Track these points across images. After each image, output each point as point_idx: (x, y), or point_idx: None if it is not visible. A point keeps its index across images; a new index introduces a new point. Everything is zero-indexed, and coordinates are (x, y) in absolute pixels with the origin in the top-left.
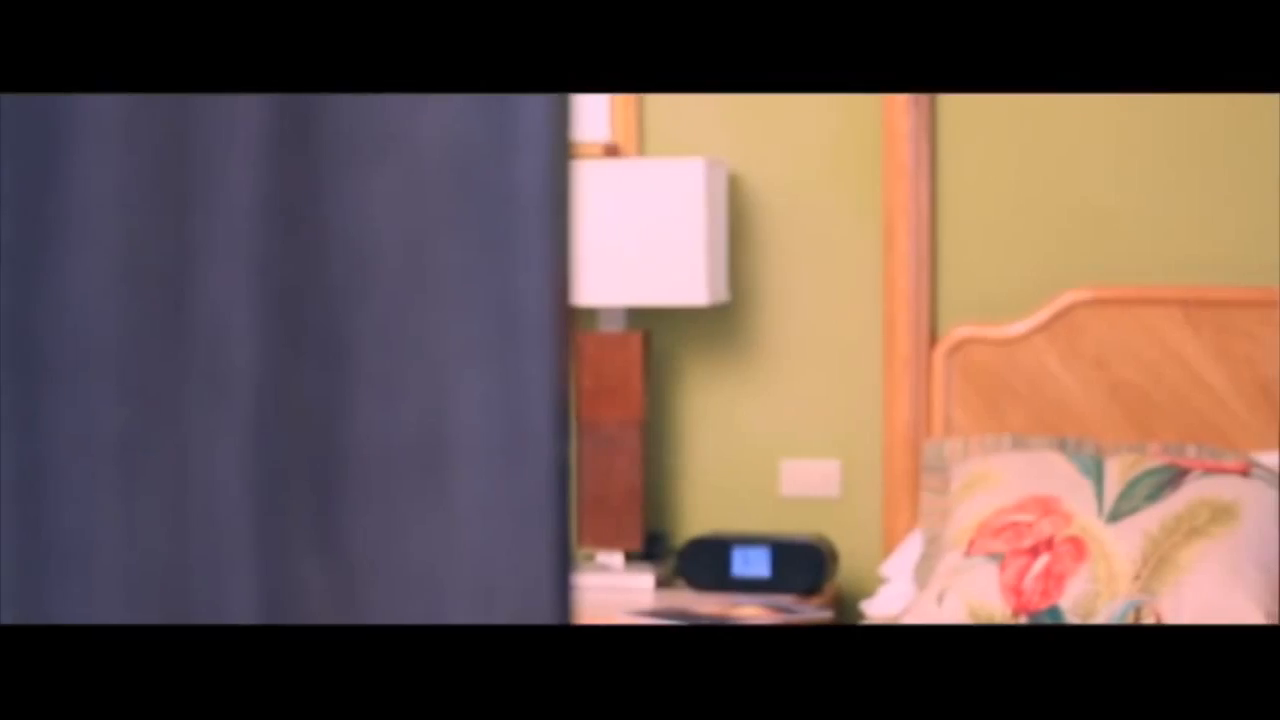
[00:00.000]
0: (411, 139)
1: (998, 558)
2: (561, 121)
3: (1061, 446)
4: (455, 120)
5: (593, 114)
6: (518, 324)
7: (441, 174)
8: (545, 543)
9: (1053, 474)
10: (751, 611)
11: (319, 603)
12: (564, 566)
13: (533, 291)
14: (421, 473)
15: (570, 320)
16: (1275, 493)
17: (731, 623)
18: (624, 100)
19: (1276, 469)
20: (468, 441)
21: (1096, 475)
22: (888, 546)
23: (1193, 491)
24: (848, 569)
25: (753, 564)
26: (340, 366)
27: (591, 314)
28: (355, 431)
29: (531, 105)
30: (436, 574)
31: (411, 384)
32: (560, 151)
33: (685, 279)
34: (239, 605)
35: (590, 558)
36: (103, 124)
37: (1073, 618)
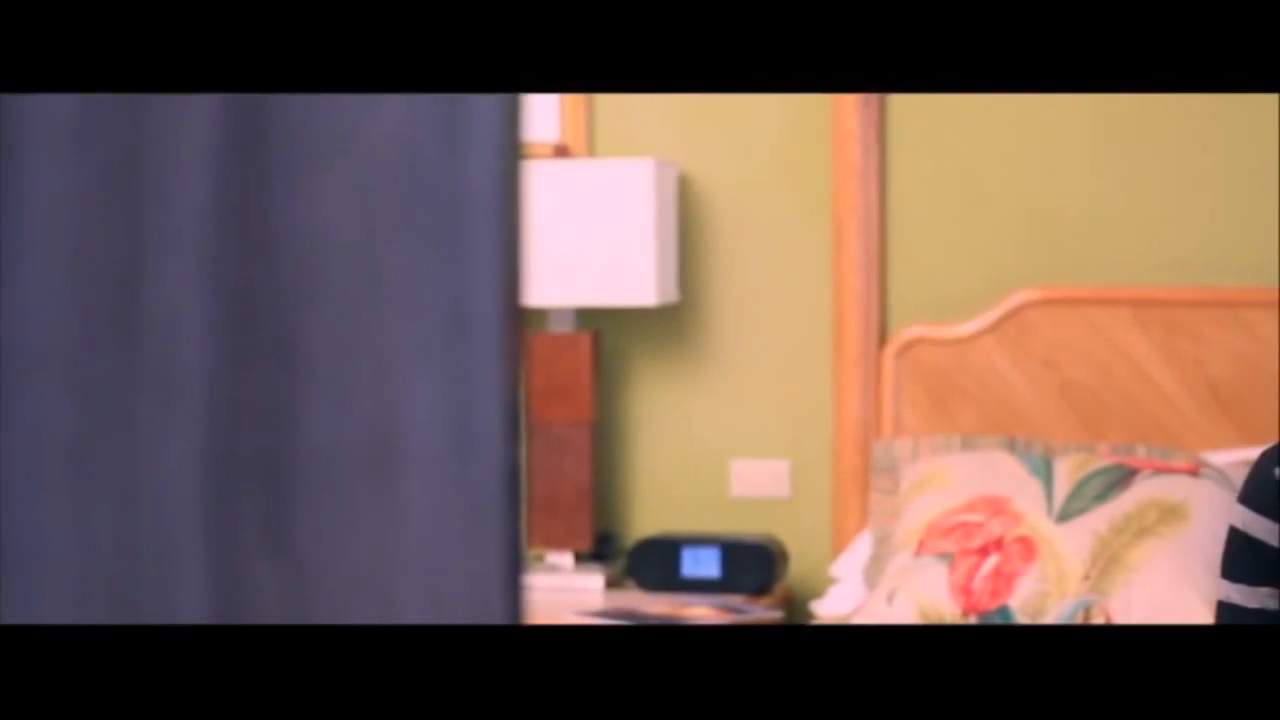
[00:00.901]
0: (362, 139)
1: (947, 558)
2: (512, 121)
3: (1011, 447)
4: (406, 120)
5: (542, 114)
6: (468, 324)
7: (392, 174)
8: (496, 543)
9: (1002, 474)
10: (701, 612)
11: (269, 603)
12: (515, 567)
13: (483, 292)
14: (372, 473)
15: (521, 321)
16: (1224, 492)
17: (681, 623)
18: (574, 101)
19: (1225, 469)
20: (418, 442)
21: (1046, 475)
22: (837, 547)
23: (1142, 491)
24: (797, 569)
25: (702, 564)
26: (291, 367)
27: (541, 315)
28: (306, 432)
29: (482, 105)
30: (387, 574)
31: (362, 384)
32: (511, 152)
33: (635, 279)
34: (190, 606)
35: (540, 558)
36: (53, 125)
37: (1022, 617)
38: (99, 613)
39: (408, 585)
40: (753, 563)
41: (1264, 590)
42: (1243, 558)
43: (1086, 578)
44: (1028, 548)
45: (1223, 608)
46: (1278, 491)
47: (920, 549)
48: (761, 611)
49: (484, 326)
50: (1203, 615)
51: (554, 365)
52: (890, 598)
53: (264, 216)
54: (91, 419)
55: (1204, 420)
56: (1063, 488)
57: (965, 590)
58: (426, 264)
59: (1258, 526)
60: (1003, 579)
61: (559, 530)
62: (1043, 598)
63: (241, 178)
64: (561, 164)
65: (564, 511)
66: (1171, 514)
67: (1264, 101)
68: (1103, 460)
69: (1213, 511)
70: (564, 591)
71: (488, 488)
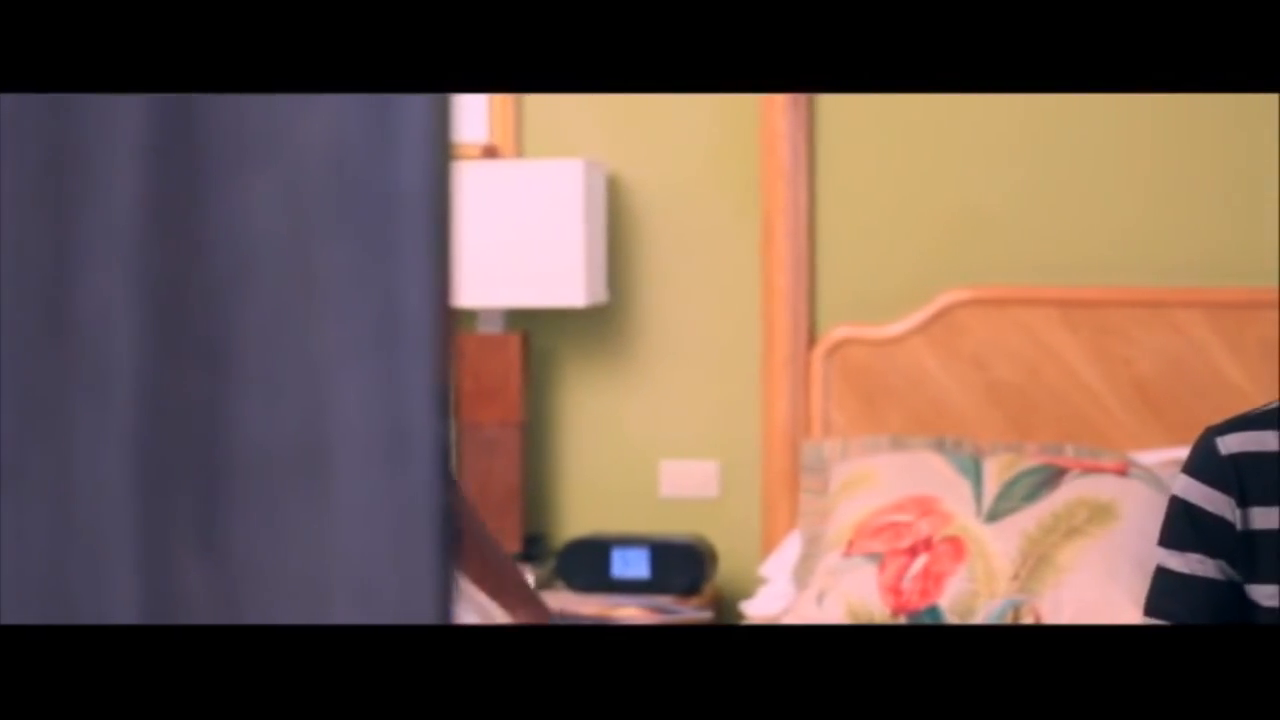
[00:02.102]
0: (292, 140)
1: (876, 558)
2: (442, 122)
3: (940, 447)
4: (336, 121)
5: (471, 115)
6: (399, 325)
7: (322, 175)
8: (427, 544)
9: (931, 474)
10: (631, 612)
11: (201, 603)
12: (445, 568)
13: (414, 293)
14: (303, 474)
15: (452, 321)
16: (1153, 492)
17: (610, 623)
18: (502, 101)
19: (1153, 469)
20: (349, 443)
21: (975, 475)
22: (767, 547)
23: (1070, 491)
24: (727, 569)
25: (632, 565)
26: (222, 368)
27: (470, 315)
28: (237, 433)
29: (412, 106)
30: (318, 574)
31: (293, 386)
32: (441, 152)
33: (564, 280)
34: (121, 606)
35: None
36: None
37: (952, 617)
38: (30, 613)
39: (339, 585)
40: (682, 563)
41: (1194, 556)
42: (1178, 523)
43: (1016, 577)
44: (957, 548)
45: (1158, 573)
46: (1218, 459)
47: (849, 549)
48: (691, 612)
49: (415, 327)
50: (1132, 615)
51: (483, 366)
52: (820, 598)
53: (194, 217)
54: (22, 421)
55: (1132, 420)
56: (991, 488)
57: (895, 590)
58: (357, 264)
59: (1196, 493)
60: (932, 579)
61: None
62: (972, 597)
63: (171, 178)
64: (490, 165)
65: (493, 512)
66: (1100, 514)
67: (1188, 101)
68: (1031, 460)
69: (1141, 511)
70: None
71: (419, 488)
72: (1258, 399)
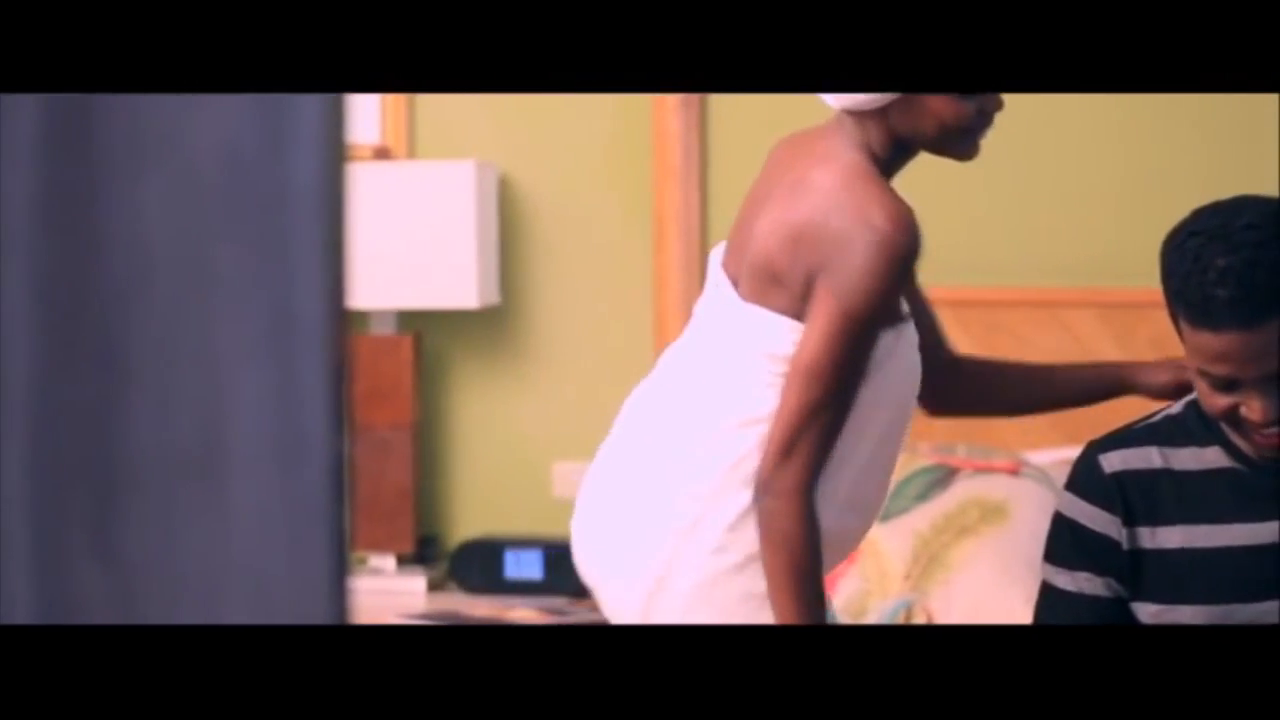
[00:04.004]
0: (186, 140)
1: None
2: (336, 122)
3: None
4: (229, 121)
5: (363, 117)
6: (293, 327)
7: (216, 176)
8: (322, 545)
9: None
10: (524, 614)
11: (97, 604)
12: (340, 569)
13: (308, 294)
14: (198, 476)
15: (346, 323)
16: (1045, 491)
17: (504, 624)
18: (394, 103)
19: (1046, 468)
20: (244, 444)
21: None
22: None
23: (962, 491)
24: None
25: (525, 566)
26: (116, 370)
27: (362, 317)
28: (132, 435)
29: (306, 106)
30: (213, 576)
31: (187, 387)
32: (335, 153)
33: (456, 282)
34: (17, 607)
35: (362, 561)
36: None
37: (844, 617)
38: None
39: (234, 586)
40: (575, 565)
41: (1082, 574)
42: (1064, 541)
43: (908, 577)
44: None
45: (1045, 589)
46: (1101, 478)
47: None
48: (585, 613)
49: (309, 329)
50: (1024, 614)
51: (375, 368)
52: None
53: (88, 218)
54: None
55: (1024, 419)
56: None
57: None
58: (252, 266)
59: (1082, 512)
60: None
61: (381, 533)
62: (864, 597)
63: (65, 178)
64: (382, 166)
65: (386, 514)
66: (992, 513)
67: (1079, 102)
68: (924, 460)
69: (1033, 510)
70: (386, 594)
71: (313, 490)
72: (1148, 399)
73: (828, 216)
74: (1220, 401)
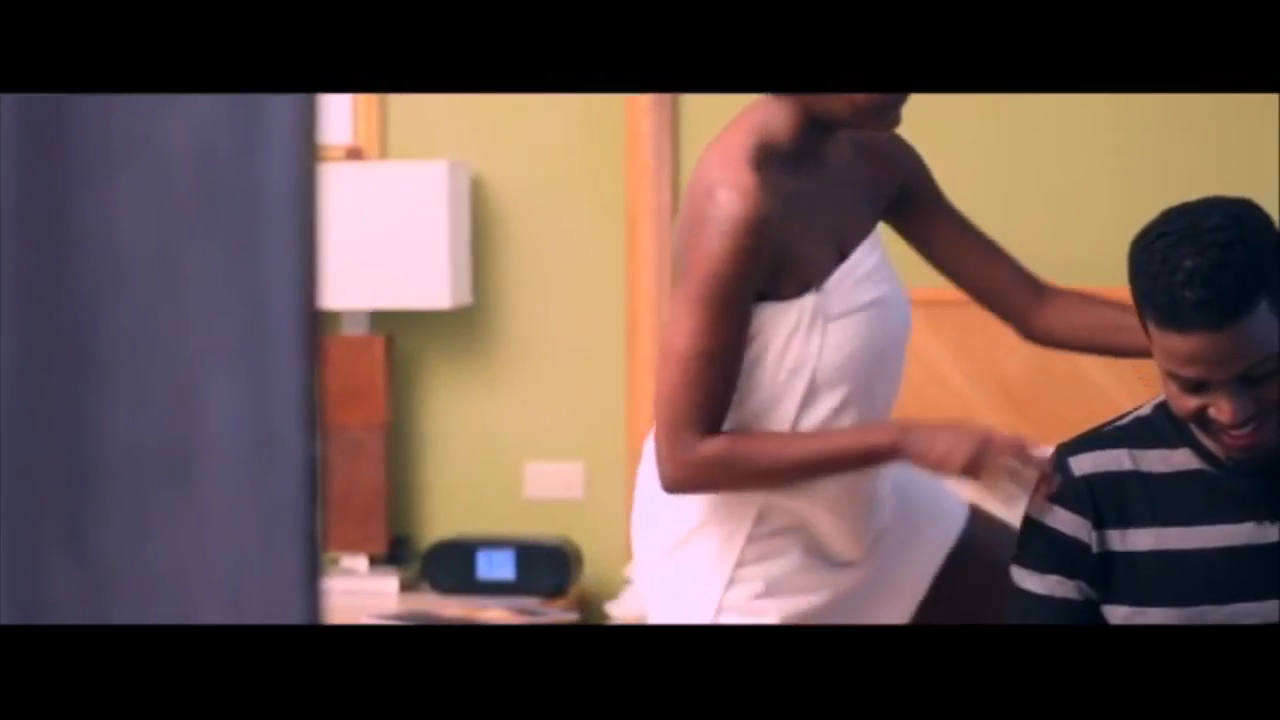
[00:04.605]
0: (159, 140)
1: None
2: (308, 123)
3: None
4: (202, 122)
5: (335, 117)
6: (266, 327)
7: (188, 176)
8: (294, 545)
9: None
10: (496, 614)
11: (69, 605)
12: (313, 570)
13: (281, 294)
14: (171, 477)
15: (318, 323)
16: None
17: (476, 624)
18: (367, 103)
19: None
20: (217, 445)
21: None
22: (631, 548)
23: None
24: (592, 571)
25: (497, 567)
26: (88, 371)
27: (334, 317)
28: (104, 435)
29: (278, 106)
30: (186, 576)
31: (160, 388)
32: (307, 153)
33: (428, 282)
34: None
35: (334, 562)
36: None
37: None
38: None
39: (207, 587)
40: (547, 565)
41: (1053, 577)
42: (1034, 544)
43: None
44: None
45: (1015, 593)
46: (1071, 480)
47: None
48: (557, 613)
49: (282, 329)
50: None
51: (348, 368)
52: None
53: (60, 218)
54: None
55: (997, 419)
56: None
57: None
58: (224, 267)
59: (1052, 515)
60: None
61: (354, 533)
62: None
63: (37, 179)
64: (354, 167)
65: (358, 515)
66: None
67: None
68: None
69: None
70: (359, 595)
71: (286, 490)
72: (1120, 399)
73: (689, 203)
74: (1189, 403)
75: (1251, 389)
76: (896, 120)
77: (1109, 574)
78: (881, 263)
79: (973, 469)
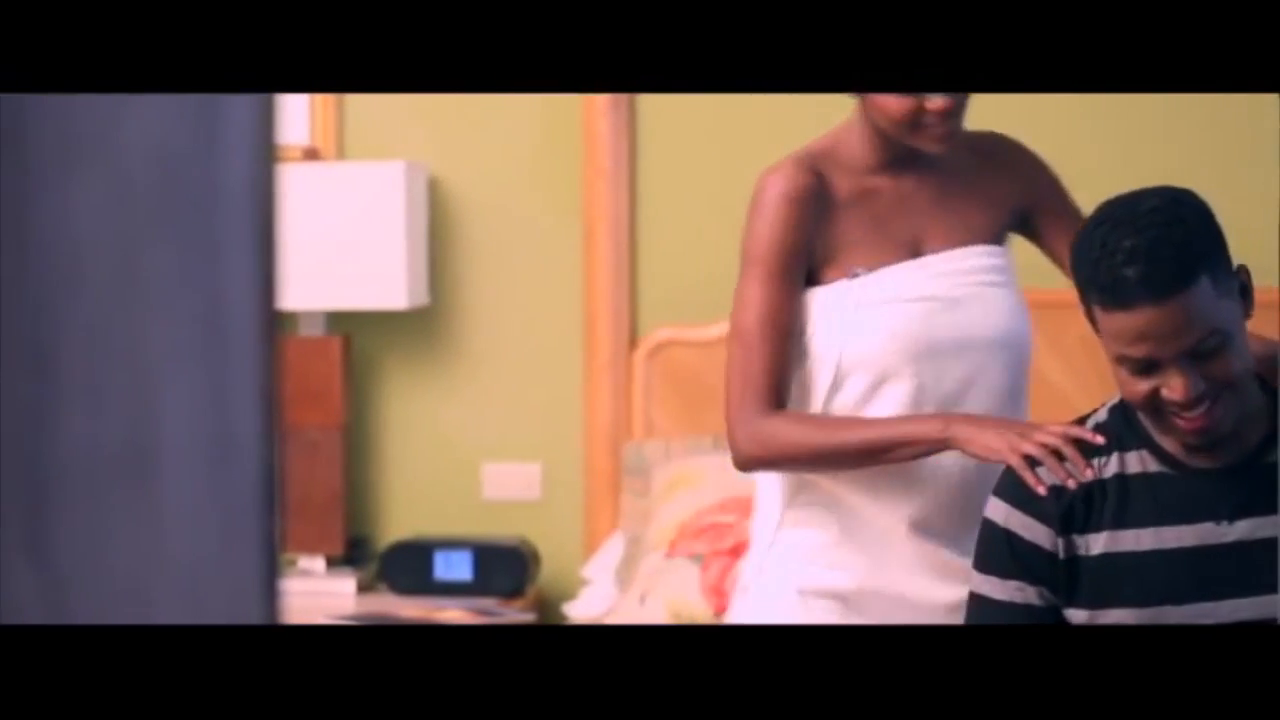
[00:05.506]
0: (117, 141)
1: (699, 559)
2: (266, 123)
3: None
4: (160, 122)
5: (293, 118)
6: (224, 328)
7: (147, 177)
8: (253, 547)
9: (752, 475)
10: (454, 615)
11: (28, 606)
12: (271, 570)
13: (238, 295)
14: (129, 478)
15: (276, 324)
16: None
17: (435, 624)
18: (324, 104)
19: None
20: (175, 446)
21: None
22: (589, 549)
23: None
24: (550, 571)
25: (455, 567)
26: (46, 372)
27: (291, 318)
28: (63, 436)
29: (236, 106)
30: (145, 577)
31: (118, 389)
32: (265, 153)
33: (385, 282)
34: None
35: (292, 563)
36: None
37: None
38: None
39: (166, 588)
40: (505, 565)
41: (1014, 583)
42: (995, 550)
43: None
44: None
45: (973, 599)
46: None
47: (672, 550)
48: (514, 614)
49: (240, 330)
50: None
51: (305, 369)
52: (642, 599)
53: (18, 219)
54: None
55: None
56: None
57: (717, 591)
58: (182, 268)
59: (1012, 520)
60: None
61: (311, 534)
62: None
63: None
64: (311, 167)
65: (316, 515)
66: None
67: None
68: None
69: None
70: (316, 596)
71: (245, 491)
72: (1077, 399)
73: None
74: (1141, 387)
75: (1201, 365)
76: (940, 136)
77: (1071, 578)
78: (983, 268)
79: (1017, 457)
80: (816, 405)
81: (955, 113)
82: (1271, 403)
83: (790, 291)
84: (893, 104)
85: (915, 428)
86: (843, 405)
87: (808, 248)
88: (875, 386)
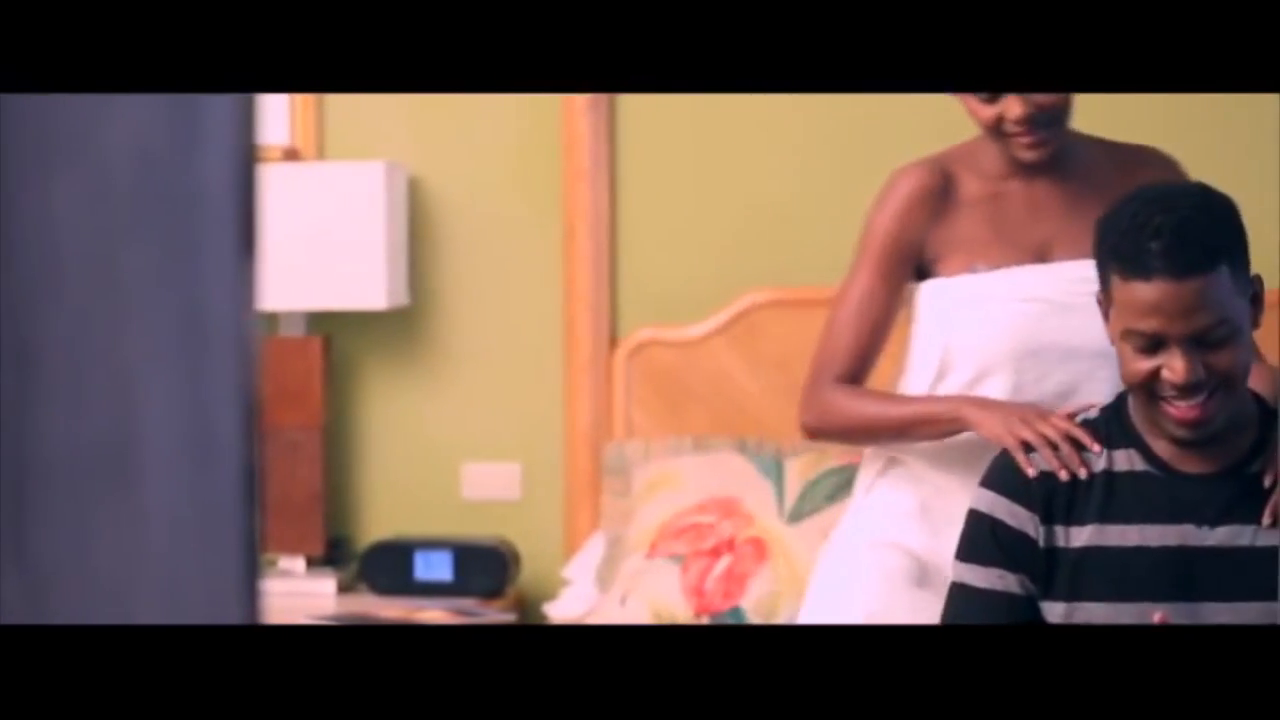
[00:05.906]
0: (97, 141)
1: (679, 559)
2: (246, 123)
3: (742, 448)
4: (140, 122)
5: (273, 118)
6: (205, 329)
7: (127, 177)
8: (233, 547)
9: (733, 475)
10: (434, 615)
11: (8, 606)
12: (252, 570)
13: (219, 295)
14: (110, 479)
15: (256, 324)
16: None
17: (415, 624)
18: (304, 104)
19: None
20: (155, 445)
21: (777, 476)
22: (569, 549)
23: None
24: (530, 571)
25: (435, 567)
26: (26, 373)
27: (271, 318)
28: (43, 436)
29: (216, 106)
30: (125, 577)
31: (99, 388)
32: (246, 154)
33: (365, 282)
34: None
35: (272, 563)
36: None
37: (755, 618)
38: None
39: (145, 587)
40: (485, 565)
41: (995, 571)
42: (979, 538)
43: None
44: (759, 548)
45: (954, 589)
46: (1022, 475)
47: (652, 551)
48: (495, 614)
49: (221, 331)
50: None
51: (285, 369)
52: (623, 599)
53: None
54: None
55: None
56: (794, 488)
57: (698, 591)
58: (163, 268)
59: (1000, 508)
60: (735, 580)
61: (291, 535)
62: (775, 598)
63: None
64: (291, 167)
65: (296, 516)
66: None
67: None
68: (833, 461)
69: None
70: (296, 596)
71: (225, 492)
72: None
73: None
74: (1143, 365)
75: (1204, 353)
76: (1028, 145)
77: (1051, 569)
78: None
79: (1024, 441)
80: (921, 392)
81: (1043, 122)
82: (1261, 412)
83: (892, 286)
84: (980, 112)
85: (933, 407)
86: (946, 394)
87: (919, 246)
88: (977, 379)
